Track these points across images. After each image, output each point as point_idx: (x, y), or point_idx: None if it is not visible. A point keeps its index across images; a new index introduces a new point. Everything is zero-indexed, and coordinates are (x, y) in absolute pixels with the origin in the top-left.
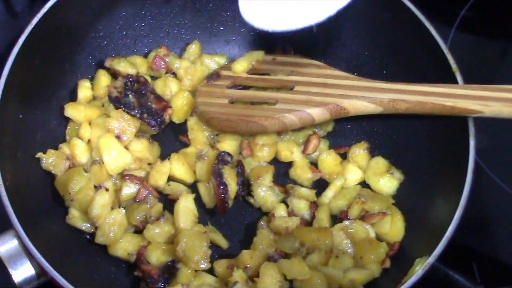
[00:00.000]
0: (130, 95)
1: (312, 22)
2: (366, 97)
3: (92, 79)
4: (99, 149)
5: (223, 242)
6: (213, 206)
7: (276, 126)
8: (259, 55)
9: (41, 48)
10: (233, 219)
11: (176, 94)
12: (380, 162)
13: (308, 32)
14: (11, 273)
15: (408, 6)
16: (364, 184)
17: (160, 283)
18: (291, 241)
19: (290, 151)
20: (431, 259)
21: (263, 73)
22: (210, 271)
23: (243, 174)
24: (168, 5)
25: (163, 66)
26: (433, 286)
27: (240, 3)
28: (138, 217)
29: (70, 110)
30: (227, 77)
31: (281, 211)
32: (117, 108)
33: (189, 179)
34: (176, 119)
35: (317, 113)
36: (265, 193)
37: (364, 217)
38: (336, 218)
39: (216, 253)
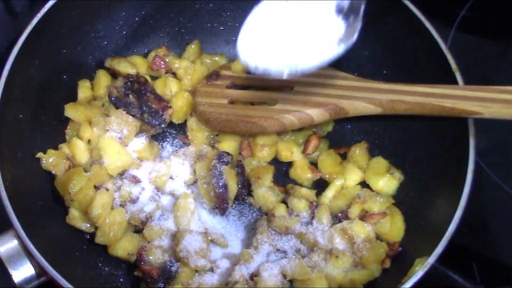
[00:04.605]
0: (130, 95)
1: (313, 68)
2: (366, 97)
3: (92, 79)
4: (99, 149)
5: (223, 242)
6: (213, 206)
7: (276, 126)
8: None
9: (41, 48)
10: (233, 219)
11: (176, 94)
12: (380, 162)
13: None
14: (11, 273)
15: (408, 6)
16: (364, 184)
17: (160, 283)
18: (291, 241)
19: (290, 151)
20: (431, 259)
21: None
22: (210, 271)
23: (243, 174)
24: (168, 5)
25: (163, 66)
26: (433, 286)
27: (240, 44)
28: (138, 217)
29: (70, 110)
30: (226, 77)
31: (281, 211)
32: (117, 108)
33: (189, 179)
34: (176, 119)
35: (316, 113)
36: (265, 193)
37: (364, 217)
38: (336, 218)
39: (216, 253)
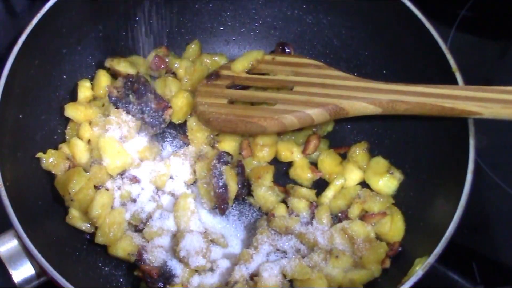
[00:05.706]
0: (130, 95)
1: None
2: (366, 98)
3: (92, 79)
4: (99, 149)
5: (223, 242)
6: (213, 206)
7: (275, 126)
8: (258, 54)
9: (41, 48)
10: (233, 219)
11: (176, 94)
12: (380, 162)
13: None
14: (11, 273)
15: (408, 6)
16: (364, 184)
17: (160, 283)
18: (291, 241)
19: (290, 151)
20: (431, 259)
21: (262, 73)
22: (210, 271)
23: (243, 174)
24: (168, 5)
25: (163, 66)
26: (433, 286)
27: None
28: (138, 217)
29: (70, 110)
30: (226, 76)
31: (281, 211)
32: (117, 108)
33: (189, 179)
34: (176, 119)
35: (316, 113)
36: (265, 193)
37: (364, 217)
38: (336, 218)
39: (216, 253)
